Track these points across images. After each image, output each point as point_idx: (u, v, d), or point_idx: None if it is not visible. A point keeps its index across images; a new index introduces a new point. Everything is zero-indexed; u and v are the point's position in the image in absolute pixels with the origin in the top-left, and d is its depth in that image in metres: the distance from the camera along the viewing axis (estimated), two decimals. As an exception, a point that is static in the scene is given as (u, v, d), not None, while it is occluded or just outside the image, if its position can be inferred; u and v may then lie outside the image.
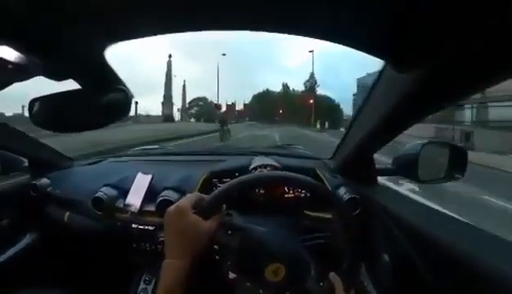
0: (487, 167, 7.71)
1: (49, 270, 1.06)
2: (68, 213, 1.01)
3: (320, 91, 52.88)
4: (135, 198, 0.95)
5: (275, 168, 0.98)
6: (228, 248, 0.59)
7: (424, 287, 0.55)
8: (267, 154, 1.16)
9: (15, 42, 0.35)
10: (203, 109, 54.42)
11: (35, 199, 1.06)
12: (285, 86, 60.13)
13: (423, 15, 0.32)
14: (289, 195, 0.97)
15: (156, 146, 1.74)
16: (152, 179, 0.98)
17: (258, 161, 1.02)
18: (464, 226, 0.58)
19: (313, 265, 0.60)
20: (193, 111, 56.87)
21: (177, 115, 41.98)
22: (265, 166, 0.98)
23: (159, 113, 34.44)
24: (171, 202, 0.87)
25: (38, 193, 1.05)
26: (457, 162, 0.85)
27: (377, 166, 0.93)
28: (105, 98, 0.49)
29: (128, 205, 0.94)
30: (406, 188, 4.37)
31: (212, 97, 53.58)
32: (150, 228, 0.92)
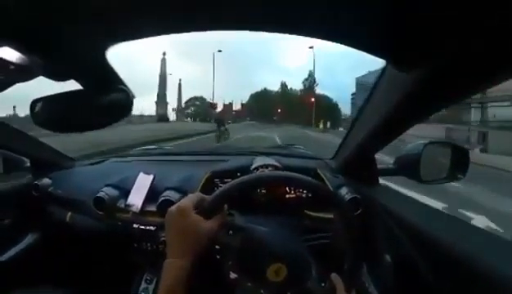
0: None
1: (51, 270, 1.06)
2: (69, 213, 1.02)
3: (318, 90, 52.21)
4: (136, 198, 0.95)
5: (276, 168, 0.98)
6: (229, 248, 0.60)
7: (425, 288, 0.55)
8: (268, 154, 1.16)
9: (16, 43, 0.35)
10: (199, 109, 54.14)
11: (37, 199, 1.06)
12: (284, 85, 59.40)
13: (424, 14, 0.32)
14: (291, 195, 0.97)
15: (156, 146, 1.74)
16: (154, 179, 0.98)
17: (259, 161, 1.02)
18: (465, 226, 0.57)
19: (315, 266, 0.60)
20: (189, 111, 56.59)
21: (172, 115, 41.49)
22: (266, 166, 0.98)
23: (153, 113, 33.75)
24: (172, 203, 0.87)
25: (40, 193, 1.06)
26: (459, 162, 0.85)
27: (379, 166, 0.93)
28: (106, 98, 0.49)
29: (130, 205, 0.94)
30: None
31: (209, 97, 53.33)
32: (152, 228, 0.92)
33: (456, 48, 0.37)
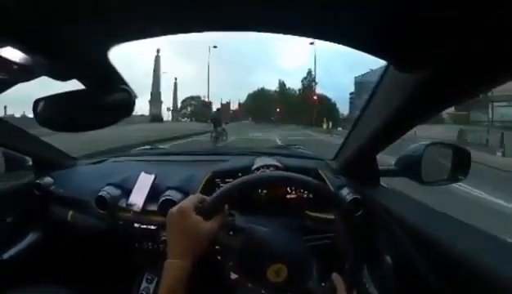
0: None
1: (52, 269, 1.06)
2: (71, 212, 1.02)
3: (317, 89, 51.21)
4: (138, 198, 0.95)
5: (277, 168, 0.98)
6: (230, 249, 0.60)
7: (426, 289, 0.55)
8: (269, 155, 1.16)
9: (19, 43, 0.35)
10: (196, 109, 53.23)
11: (39, 198, 1.07)
12: (282, 84, 58.12)
13: (425, 15, 0.32)
14: (292, 196, 0.97)
15: (162, 146, 1.74)
16: (155, 178, 0.98)
17: (260, 161, 1.02)
18: (466, 228, 0.57)
19: (315, 266, 0.60)
20: (186, 111, 56.03)
21: (167, 115, 40.34)
22: (267, 166, 0.98)
23: (147, 113, 32.48)
24: (174, 202, 0.87)
25: (42, 191, 1.06)
26: (461, 164, 0.85)
27: (380, 167, 0.93)
28: (108, 98, 0.50)
29: (131, 204, 0.94)
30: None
31: (206, 96, 52.59)
32: (153, 227, 0.92)
33: (458, 49, 0.37)
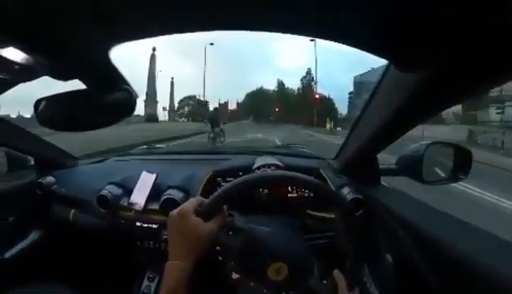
0: None
1: (54, 267, 1.07)
2: (73, 211, 1.03)
3: (316, 89, 50.52)
4: (139, 197, 0.95)
5: (278, 168, 0.98)
6: (230, 249, 0.60)
7: (426, 289, 0.55)
8: (270, 154, 1.16)
9: (20, 43, 0.35)
10: (194, 109, 52.76)
11: (41, 197, 1.07)
12: (281, 83, 57.25)
13: (426, 14, 0.32)
14: (293, 195, 0.97)
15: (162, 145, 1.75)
16: (156, 178, 0.99)
17: (261, 160, 1.02)
18: (467, 227, 0.57)
19: (316, 264, 0.60)
20: (183, 111, 55.76)
21: (163, 115, 39.74)
22: (268, 165, 0.98)
23: (142, 113, 31.82)
24: (175, 201, 0.87)
25: (44, 191, 1.07)
26: (462, 163, 0.84)
27: (381, 166, 0.93)
28: (110, 98, 0.50)
29: (133, 203, 0.95)
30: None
31: (206, 96, 51.95)
32: (154, 226, 0.92)
33: (458, 48, 0.37)
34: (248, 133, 16.96)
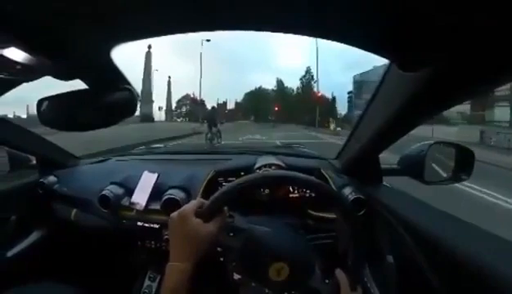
0: None
1: (56, 267, 1.07)
2: (74, 211, 1.03)
3: (316, 88, 49.19)
4: (141, 197, 0.95)
5: (280, 167, 0.98)
6: (231, 250, 0.60)
7: (428, 289, 0.55)
8: (271, 154, 1.16)
9: (22, 44, 0.35)
10: (191, 108, 51.97)
11: (42, 197, 1.07)
12: (280, 83, 56.67)
13: (427, 14, 0.32)
14: (294, 195, 0.97)
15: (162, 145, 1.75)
16: (158, 177, 0.99)
17: (262, 160, 1.02)
18: (469, 227, 0.57)
19: (318, 264, 0.60)
20: (181, 110, 55.54)
21: (159, 114, 38.98)
22: (270, 165, 0.98)
23: (137, 113, 32.06)
24: (176, 201, 0.87)
25: (45, 190, 1.07)
26: (464, 163, 0.84)
27: (382, 166, 0.93)
28: (111, 97, 0.50)
29: (134, 203, 0.95)
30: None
31: (203, 96, 51.14)
32: (156, 226, 0.92)
33: (460, 48, 0.37)
34: (246, 134, 15.97)
